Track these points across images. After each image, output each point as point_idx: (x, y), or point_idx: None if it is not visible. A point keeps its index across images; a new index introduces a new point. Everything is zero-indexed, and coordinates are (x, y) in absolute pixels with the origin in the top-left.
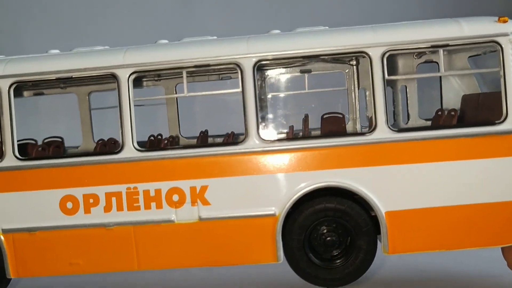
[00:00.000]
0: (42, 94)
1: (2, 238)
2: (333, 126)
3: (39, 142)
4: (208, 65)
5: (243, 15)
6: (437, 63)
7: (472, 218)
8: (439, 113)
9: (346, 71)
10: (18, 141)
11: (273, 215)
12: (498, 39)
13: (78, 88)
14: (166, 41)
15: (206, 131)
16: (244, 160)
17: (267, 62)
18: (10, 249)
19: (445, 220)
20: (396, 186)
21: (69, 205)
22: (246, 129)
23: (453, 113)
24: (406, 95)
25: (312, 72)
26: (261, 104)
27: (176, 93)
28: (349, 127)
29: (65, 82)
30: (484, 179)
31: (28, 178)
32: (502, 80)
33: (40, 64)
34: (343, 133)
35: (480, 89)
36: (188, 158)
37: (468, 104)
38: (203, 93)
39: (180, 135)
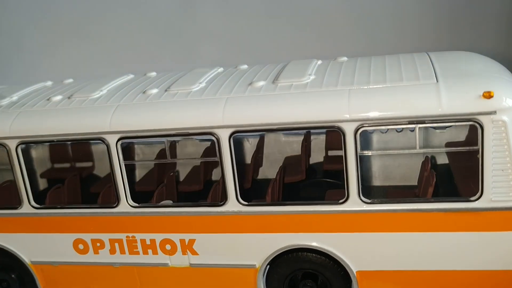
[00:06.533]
0: None
1: (33, 268)
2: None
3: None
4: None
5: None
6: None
7: (438, 284)
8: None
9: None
10: None
11: (253, 266)
12: (480, 117)
13: None
14: (156, 90)
15: None
16: (225, 220)
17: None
18: (40, 276)
19: (411, 283)
20: (366, 249)
21: (81, 246)
22: (225, 193)
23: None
24: None
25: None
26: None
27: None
28: None
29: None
30: (448, 249)
31: (46, 223)
32: (480, 159)
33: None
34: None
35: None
36: (176, 216)
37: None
38: (184, 158)
39: None
